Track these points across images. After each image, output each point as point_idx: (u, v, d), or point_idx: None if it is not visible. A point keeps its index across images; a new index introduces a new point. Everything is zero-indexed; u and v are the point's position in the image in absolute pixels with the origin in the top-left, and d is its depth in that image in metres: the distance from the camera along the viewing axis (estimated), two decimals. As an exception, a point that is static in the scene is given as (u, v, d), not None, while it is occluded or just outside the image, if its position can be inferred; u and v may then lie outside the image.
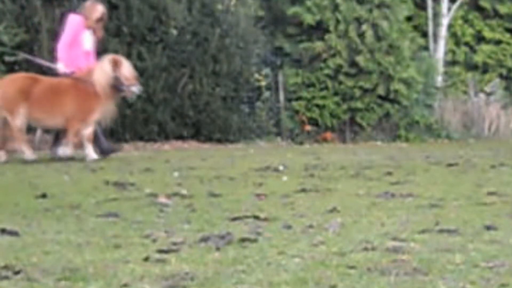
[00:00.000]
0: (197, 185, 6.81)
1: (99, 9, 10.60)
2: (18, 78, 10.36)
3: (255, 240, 3.95)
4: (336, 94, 15.72)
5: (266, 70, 15.85)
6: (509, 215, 4.74)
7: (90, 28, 10.48)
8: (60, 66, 10.26)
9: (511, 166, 8.37)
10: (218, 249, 3.74)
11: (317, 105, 15.70)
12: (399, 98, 15.84)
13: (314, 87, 15.77)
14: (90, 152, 10.15)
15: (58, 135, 10.55)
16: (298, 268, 3.32)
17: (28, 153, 10.12)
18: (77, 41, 10.39)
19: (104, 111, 10.20)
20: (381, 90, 15.69)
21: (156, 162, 9.73)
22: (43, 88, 10.02)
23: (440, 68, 17.77)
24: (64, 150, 10.16)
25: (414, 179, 7.10)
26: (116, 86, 10.06)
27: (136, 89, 10.30)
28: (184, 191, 6.16)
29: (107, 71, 10.03)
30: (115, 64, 10.10)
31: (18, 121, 10.00)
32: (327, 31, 15.76)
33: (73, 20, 10.43)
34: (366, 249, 3.70)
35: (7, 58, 13.46)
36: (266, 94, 15.74)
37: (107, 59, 10.19)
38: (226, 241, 3.89)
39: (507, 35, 18.70)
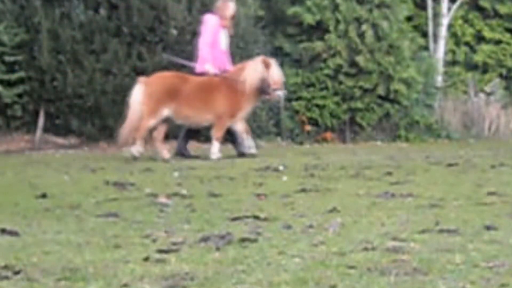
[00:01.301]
0: (197, 185, 6.81)
1: (232, 7, 10.80)
2: (167, 76, 10.55)
3: (255, 240, 3.95)
4: (336, 94, 15.71)
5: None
6: (509, 215, 4.74)
7: (225, 27, 10.74)
8: (208, 67, 10.45)
9: (511, 166, 8.37)
10: (218, 249, 3.74)
11: (317, 105, 15.69)
12: (399, 98, 15.83)
13: (314, 87, 15.76)
14: (215, 150, 10.33)
15: (188, 134, 10.87)
16: (298, 268, 3.32)
17: (164, 153, 10.30)
18: (215, 41, 10.61)
19: (248, 110, 10.53)
20: (381, 90, 15.69)
21: (156, 162, 9.73)
22: (192, 86, 10.22)
23: (440, 68, 17.76)
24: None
25: (414, 179, 7.10)
26: (263, 87, 10.25)
27: (281, 93, 10.57)
28: (184, 191, 6.16)
29: (258, 72, 10.24)
30: (266, 66, 10.31)
31: (153, 121, 10.15)
32: (327, 31, 15.76)
33: (210, 20, 10.64)
34: (366, 249, 3.70)
35: (7, 58, 13.46)
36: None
37: (259, 60, 10.46)
38: (226, 241, 3.89)
39: (507, 35, 18.69)
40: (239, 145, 10.60)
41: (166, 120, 10.31)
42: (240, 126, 10.47)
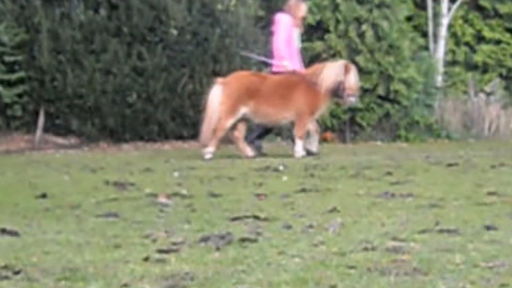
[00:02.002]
0: (197, 185, 6.81)
1: (304, 8, 11.03)
2: (245, 75, 10.79)
3: (255, 240, 3.95)
4: (336, 94, 15.70)
5: (266, 70, 15.83)
6: (509, 215, 4.73)
7: (297, 26, 10.91)
8: (286, 64, 10.64)
9: (511, 166, 8.37)
10: (218, 249, 3.74)
11: (317, 105, 15.68)
12: (399, 98, 15.83)
13: (314, 87, 15.75)
14: (299, 149, 10.44)
15: (267, 131, 11.14)
16: (298, 268, 3.32)
17: (248, 151, 10.45)
18: (289, 39, 10.78)
19: (324, 110, 10.88)
20: (381, 90, 15.68)
21: (156, 162, 9.73)
22: (271, 84, 10.40)
23: (440, 68, 17.75)
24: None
25: (414, 179, 7.09)
26: (338, 91, 10.39)
27: (354, 100, 10.76)
28: (184, 191, 6.16)
29: (337, 74, 10.39)
30: (346, 70, 10.47)
31: (231, 120, 10.29)
32: (327, 31, 15.76)
33: (284, 19, 10.78)
34: (366, 249, 3.70)
35: (7, 58, 13.46)
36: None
37: (341, 63, 10.75)
38: (226, 241, 3.89)
39: (507, 35, 18.69)
40: (308, 143, 10.77)
41: (245, 120, 10.48)
42: (312, 125, 10.66)
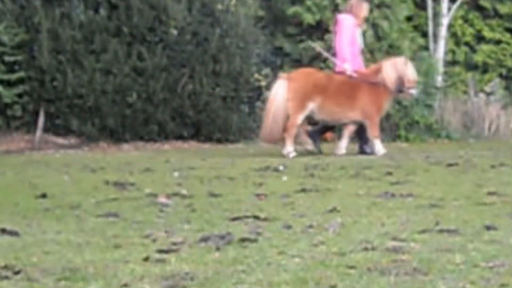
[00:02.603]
0: (197, 185, 6.81)
1: (366, 7, 11.14)
2: (312, 72, 10.99)
3: (255, 240, 3.95)
4: (336, 94, 15.71)
5: (266, 70, 15.83)
6: (509, 215, 4.73)
7: (359, 26, 11.07)
8: (348, 67, 10.71)
9: (511, 166, 8.37)
10: (218, 249, 3.74)
11: (317, 105, 15.68)
12: (399, 98, 15.83)
13: (314, 87, 15.75)
14: (379, 147, 10.63)
15: (323, 130, 11.31)
16: (298, 268, 3.32)
17: (309, 144, 10.71)
18: (352, 40, 10.89)
19: (386, 108, 11.06)
20: (381, 90, 15.69)
21: (156, 162, 9.73)
22: (337, 82, 10.56)
23: (440, 68, 17.74)
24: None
25: (414, 179, 7.09)
26: (399, 86, 10.65)
27: (414, 92, 11.03)
28: (184, 191, 6.16)
29: (396, 71, 10.61)
30: (403, 65, 10.72)
31: (301, 116, 10.45)
32: (327, 31, 15.75)
33: (347, 20, 10.87)
34: (366, 249, 3.69)
35: (7, 58, 13.46)
36: (266, 94, 15.72)
37: (399, 59, 10.97)
38: (226, 241, 3.89)
39: (507, 35, 18.69)
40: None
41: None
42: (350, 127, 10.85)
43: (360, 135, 11.00)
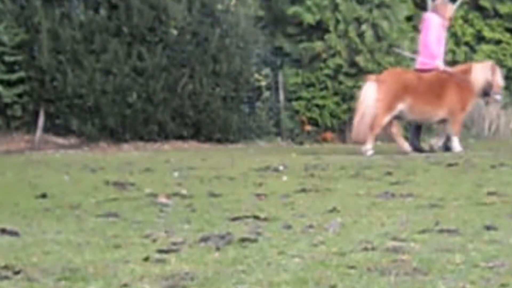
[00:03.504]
0: (197, 185, 6.81)
1: (452, 8, 11.41)
2: (401, 72, 11.29)
3: (255, 240, 3.95)
4: (336, 94, 15.71)
5: (266, 70, 15.84)
6: (509, 215, 4.73)
7: (444, 26, 11.26)
8: (439, 63, 11.02)
9: (511, 166, 8.36)
10: (218, 249, 3.74)
11: (317, 105, 15.69)
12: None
13: (314, 87, 15.76)
14: (456, 144, 10.87)
15: (417, 129, 11.41)
16: (298, 268, 3.32)
17: (406, 146, 10.88)
18: (439, 39, 11.09)
19: (470, 108, 11.35)
20: (381, 90, 15.68)
21: (156, 162, 9.72)
22: (426, 81, 10.77)
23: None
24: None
25: (414, 179, 7.09)
26: (486, 89, 11.00)
27: (499, 97, 11.40)
28: (184, 191, 6.16)
29: (485, 75, 10.96)
30: (493, 70, 11.08)
31: (388, 117, 10.64)
32: (327, 31, 15.75)
33: (434, 19, 11.07)
34: (366, 249, 3.69)
35: (7, 58, 13.47)
36: (266, 94, 15.73)
37: (488, 64, 11.39)
38: (226, 241, 3.89)
39: (507, 35, 18.68)
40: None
41: (398, 117, 10.85)
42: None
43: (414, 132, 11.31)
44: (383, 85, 10.59)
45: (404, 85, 10.64)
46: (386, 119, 10.63)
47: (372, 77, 11.00)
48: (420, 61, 11.16)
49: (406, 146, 10.84)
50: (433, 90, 10.77)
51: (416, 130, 11.40)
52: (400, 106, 10.61)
